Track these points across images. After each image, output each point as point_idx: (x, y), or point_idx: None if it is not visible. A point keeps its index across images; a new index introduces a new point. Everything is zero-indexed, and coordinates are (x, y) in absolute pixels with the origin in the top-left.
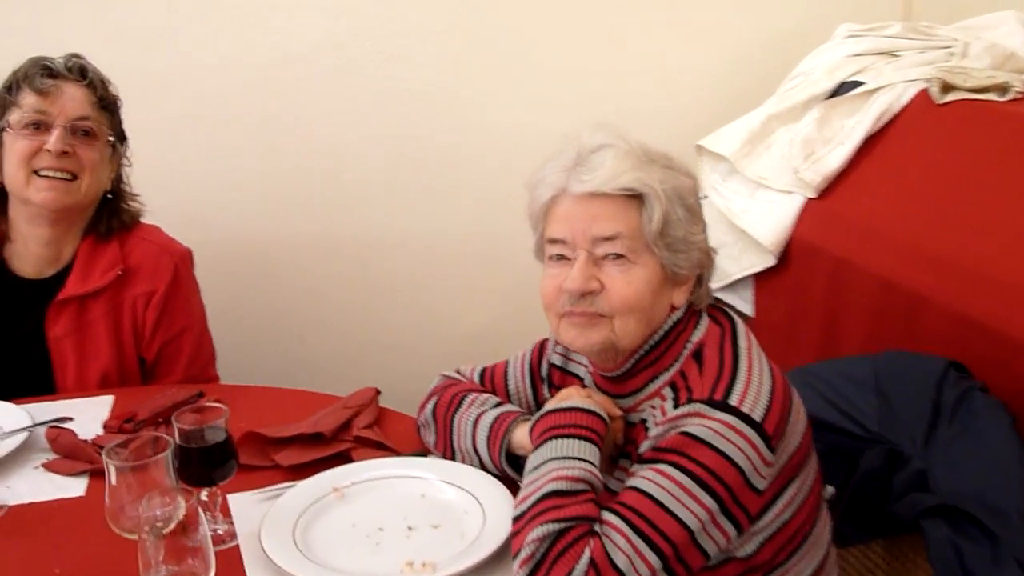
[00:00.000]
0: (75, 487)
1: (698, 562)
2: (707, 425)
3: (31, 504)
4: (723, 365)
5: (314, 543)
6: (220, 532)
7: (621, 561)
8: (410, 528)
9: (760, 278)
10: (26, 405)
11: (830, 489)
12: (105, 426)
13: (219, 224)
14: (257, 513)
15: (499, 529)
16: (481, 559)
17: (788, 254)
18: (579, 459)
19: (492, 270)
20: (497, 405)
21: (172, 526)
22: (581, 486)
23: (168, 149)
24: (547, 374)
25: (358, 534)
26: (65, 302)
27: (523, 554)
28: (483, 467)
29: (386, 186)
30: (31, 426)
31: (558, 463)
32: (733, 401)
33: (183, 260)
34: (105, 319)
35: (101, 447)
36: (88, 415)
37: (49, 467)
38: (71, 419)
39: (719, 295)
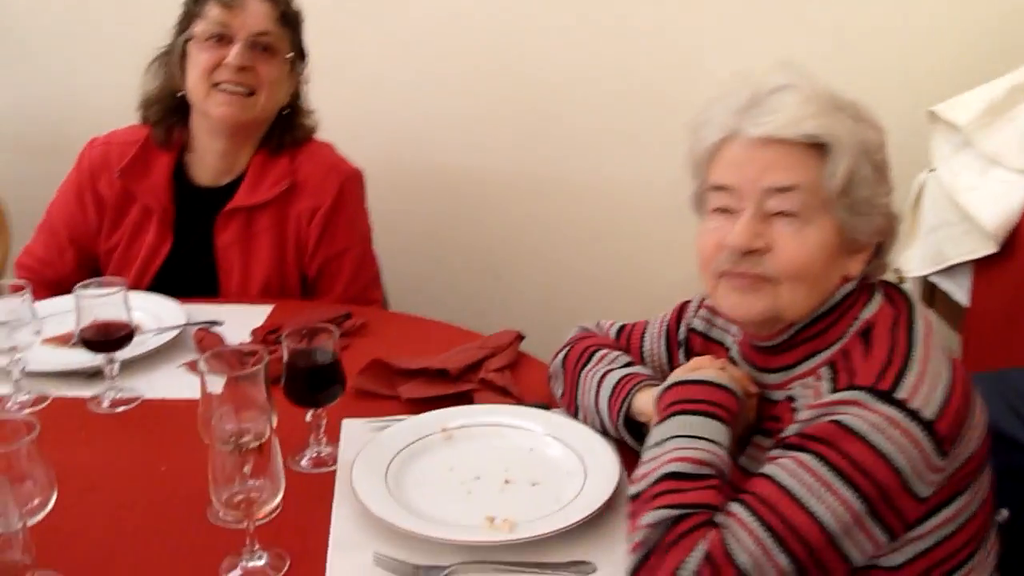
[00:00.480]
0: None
1: (840, 570)
2: (866, 417)
3: (163, 400)
4: (894, 351)
5: (405, 481)
6: (323, 455)
7: (743, 560)
8: (507, 481)
9: (981, 265)
10: (188, 305)
11: (1004, 512)
12: (252, 334)
13: (423, 155)
14: (364, 441)
15: (594, 499)
16: (563, 527)
17: (1014, 242)
18: (705, 439)
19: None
20: (626, 365)
21: (255, 444)
22: (705, 470)
23: (379, 76)
24: (685, 339)
25: (453, 479)
26: (234, 212)
27: (636, 538)
28: (603, 428)
29: (598, 130)
30: (183, 325)
31: (682, 442)
32: (901, 394)
33: (350, 180)
34: (270, 231)
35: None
36: (241, 322)
37: (191, 367)
38: (221, 323)
39: (934, 279)
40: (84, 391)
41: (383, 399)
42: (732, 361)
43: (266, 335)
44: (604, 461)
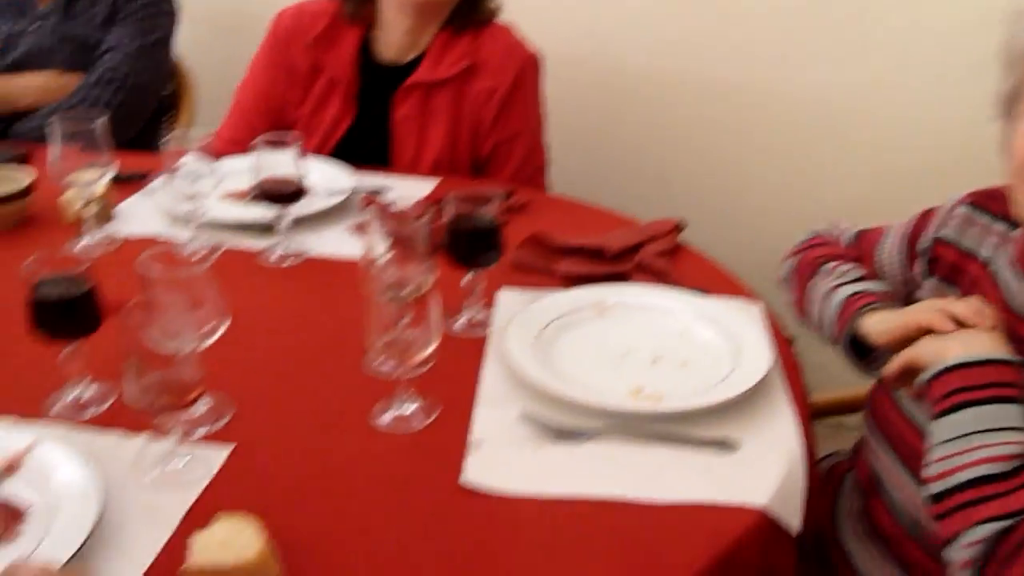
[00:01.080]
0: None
1: None
2: None
3: (328, 258)
4: None
5: (555, 349)
6: (477, 319)
7: None
8: (655, 360)
9: None
10: (360, 173)
11: None
12: (417, 203)
13: (604, 50)
14: (517, 310)
15: (743, 381)
16: (709, 404)
17: None
18: (1009, 429)
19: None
20: (856, 280)
21: (414, 295)
22: (1016, 463)
23: None
24: (928, 248)
25: (602, 353)
26: (413, 87)
27: (962, 557)
28: (831, 341)
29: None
30: (352, 189)
31: (984, 438)
32: None
33: (530, 64)
34: (447, 109)
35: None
36: (408, 192)
37: (356, 229)
38: (389, 191)
39: None
40: (255, 244)
41: (539, 274)
42: (991, 274)
43: (430, 204)
44: (757, 348)
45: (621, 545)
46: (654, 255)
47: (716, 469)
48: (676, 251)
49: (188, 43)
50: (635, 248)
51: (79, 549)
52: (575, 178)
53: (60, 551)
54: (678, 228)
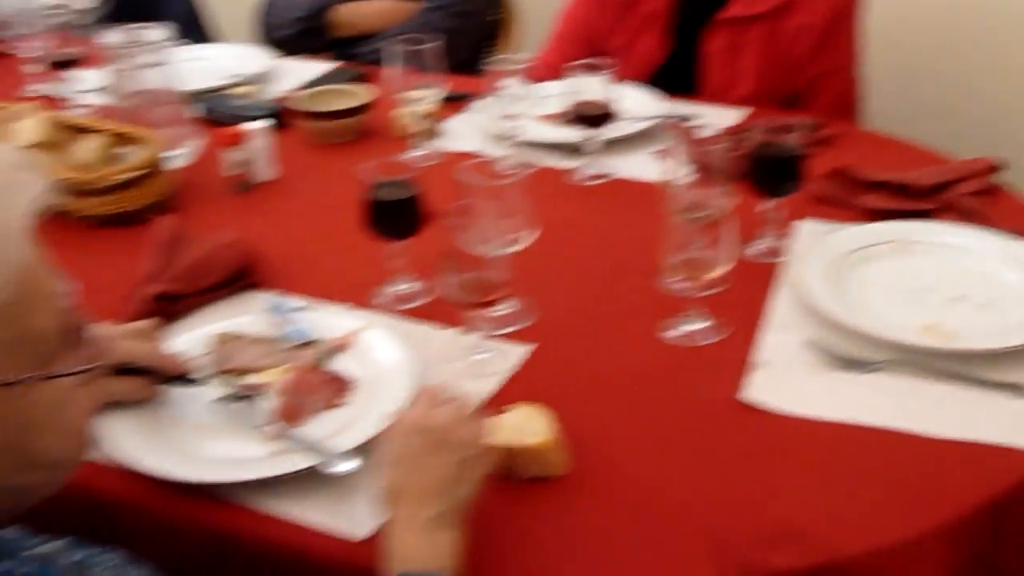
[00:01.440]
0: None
1: None
2: None
3: (632, 180)
4: None
5: (850, 280)
6: (772, 247)
7: None
8: (954, 299)
9: None
10: (669, 101)
11: None
12: (723, 131)
13: None
14: (815, 240)
15: None
16: (1005, 346)
17: None
18: None
19: None
20: None
21: (710, 219)
22: None
23: None
24: None
25: (898, 288)
26: (726, 21)
27: None
28: None
29: None
30: (660, 116)
31: None
32: None
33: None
34: (759, 44)
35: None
36: (715, 122)
37: (661, 154)
38: (696, 119)
39: None
40: (566, 163)
41: (841, 207)
42: None
43: (735, 133)
44: None
45: (895, 475)
46: (965, 195)
47: (1003, 413)
48: (991, 192)
49: None
50: (944, 186)
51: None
52: (893, 113)
53: (378, 419)
54: (994, 168)
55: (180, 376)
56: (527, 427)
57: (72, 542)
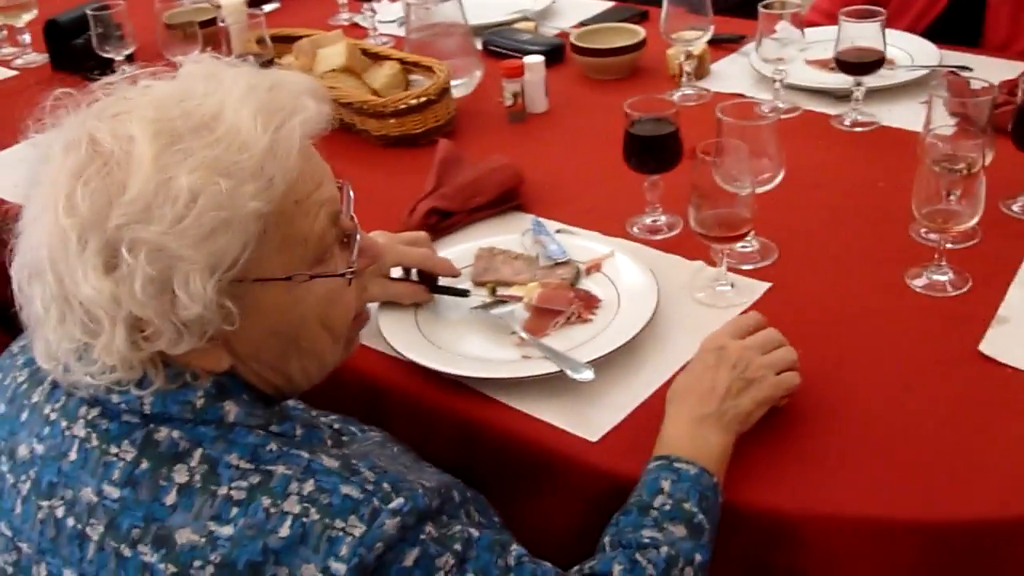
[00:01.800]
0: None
1: None
2: None
3: (898, 128)
4: None
5: None
6: None
7: None
8: None
9: None
10: (945, 51)
11: None
12: (999, 85)
13: None
14: None
15: None
16: None
17: None
18: None
19: None
20: None
21: (966, 171)
22: None
23: None
24: None
25: None
26: None
27: None
28: None
29: None
30: (932, 66)
31: None
32: None
33: None
34: None
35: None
36: (991, 74)
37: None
38: (971, 70)
39: None
40: (830, 109)
41: None
42: None
43: (1008, 86)
44: None
45: None
46: None
47: None
48: None
49: None
50: None
51: (633, 337)
52: None
53: (620, 336)
54: None
55: (450, 288)
56: None
57: (342, 418)
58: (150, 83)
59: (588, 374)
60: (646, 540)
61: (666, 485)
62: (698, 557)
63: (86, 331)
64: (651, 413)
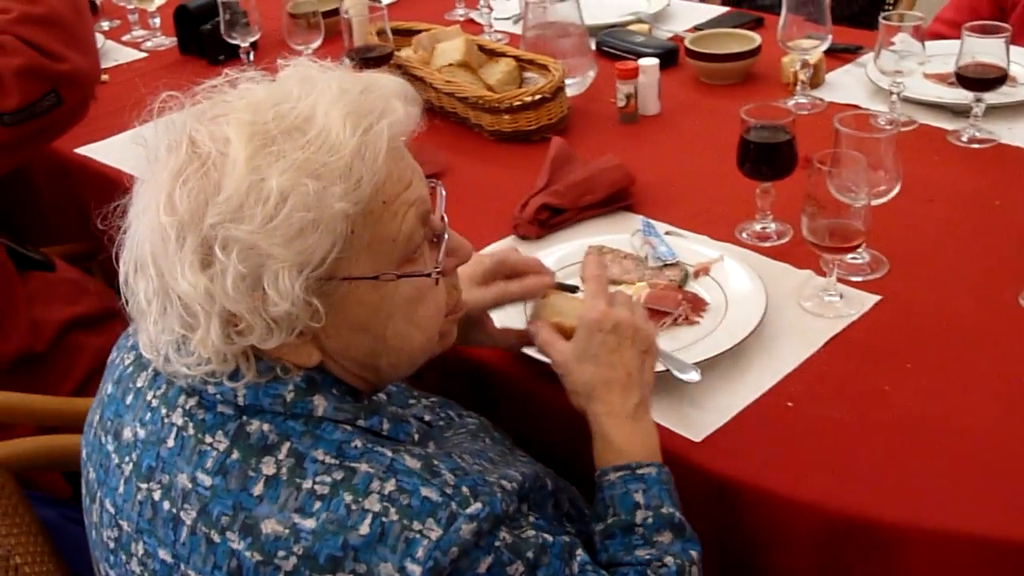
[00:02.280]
0: None
1: None
2: None
3: (1018, 147)
4: None
5: None
6: None
7: None
8: None
9: None
10: None
11: None
12: None
13: None
14: None
15: None
16: None
17: None
18: None
19: None
20: None
21: None
22: None
23: None
24: None
25: None
26: None
27: None
28: None
29: None
30: None
31: None
32: None
33: None
34: None
35: None
36: None
37: None
38: None
39: None
40: (947, 124)
41: None
42: None
43: None
44: None
45: None
46: None
47: None
48: None
49: None
50: None
51: (740, 341)
52: None
53: (728, 339)
54: None
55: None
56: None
57: (442, 401)
58: (249, 86)
59: (694, 375)
60: (646, 558)
61: (639, 497)
62: (693, 553)
63: (184, 324)
64: (755, 417)
